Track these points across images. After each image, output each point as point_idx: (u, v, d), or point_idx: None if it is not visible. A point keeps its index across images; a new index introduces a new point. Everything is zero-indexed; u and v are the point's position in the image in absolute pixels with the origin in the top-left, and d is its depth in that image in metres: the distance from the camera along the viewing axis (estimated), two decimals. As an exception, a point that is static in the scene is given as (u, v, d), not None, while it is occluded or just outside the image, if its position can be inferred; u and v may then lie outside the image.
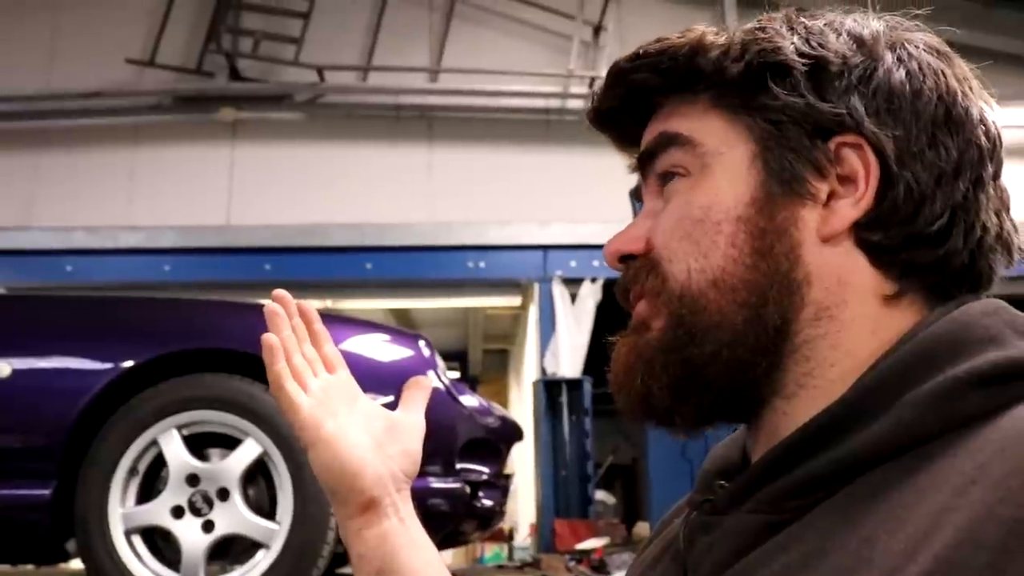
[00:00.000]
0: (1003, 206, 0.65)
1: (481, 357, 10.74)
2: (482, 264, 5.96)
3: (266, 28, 6.00)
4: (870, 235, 0.61)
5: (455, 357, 10.60)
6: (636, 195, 0.74)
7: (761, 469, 0.59)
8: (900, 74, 0.63)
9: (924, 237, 0.61)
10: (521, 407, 7.29)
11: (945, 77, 0.63)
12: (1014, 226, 0.66)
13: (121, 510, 2.21)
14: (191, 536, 2.18)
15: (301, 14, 5.92)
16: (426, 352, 2.55)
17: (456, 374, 10.41)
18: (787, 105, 0.62)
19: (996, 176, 0.64)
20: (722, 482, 0.67)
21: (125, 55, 5.91)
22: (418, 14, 6.35)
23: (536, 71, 6.11)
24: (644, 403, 0.64)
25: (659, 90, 0.68)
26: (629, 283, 0.67)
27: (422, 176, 6.11)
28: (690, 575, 0.63)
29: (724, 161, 0.64)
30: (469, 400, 2.63)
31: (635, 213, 0.76)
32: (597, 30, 6.28)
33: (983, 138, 0.63)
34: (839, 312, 0.61)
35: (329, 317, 3.02)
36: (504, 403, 9.92)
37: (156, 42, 5.90)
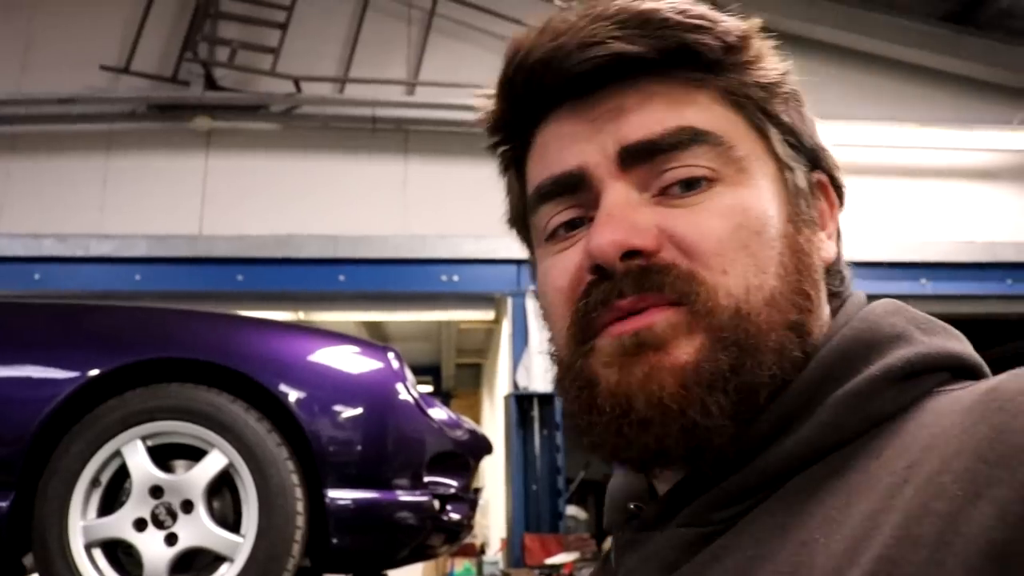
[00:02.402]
0: None
1: (454, 371, 10.72)
2: (456, 278, 5.95)
3: (243, 38, 5.98)
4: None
5: (428, 371, 10.57)
6: (566, 184, 0.62)
7: (690, 483, 0.59)
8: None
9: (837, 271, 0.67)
10: (494, 421, 7.27)
11: None
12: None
13: (82, 523, 2.17)
14: (154, 549, 2.14)
15: (279, 24, 5.91)
16: (395, 364, 2.54)
17: (429, 388, 10.38)
18: (793, 124, 0.64)
19: None
20: (637, 504, 0.66)
21: (100, 62, 5.86)
22: (396, 27, 6.36)
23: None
24: (687, 435, 0.55)
25: (649, 65, 0.60)
26: (631, 284, 0.57)
27: (397, 189, 6.10)
28: None
29: (761, 169, 0.61)
30: (438, 413, 2.62)
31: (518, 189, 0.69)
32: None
33: None
34: (817, 330, 0.62)
35: (298, 329, 3.01)
36: (477, 417, 9.89)
37: (132, 49, 5.86)
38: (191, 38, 5.88)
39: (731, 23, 0.61)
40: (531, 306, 5.83)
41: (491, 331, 8.04)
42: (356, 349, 2.58)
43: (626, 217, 0.57)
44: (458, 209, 5.99)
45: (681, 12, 0.59)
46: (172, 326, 2.50)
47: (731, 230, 0.57)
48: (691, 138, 0.59)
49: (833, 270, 0.65)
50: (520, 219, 0.71)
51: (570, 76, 0.61)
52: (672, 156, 0.59)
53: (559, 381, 0.63)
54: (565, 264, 0.61)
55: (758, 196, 0.59)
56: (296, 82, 5.94)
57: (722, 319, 0.55)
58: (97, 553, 2.17)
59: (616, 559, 0.64)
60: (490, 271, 5.96)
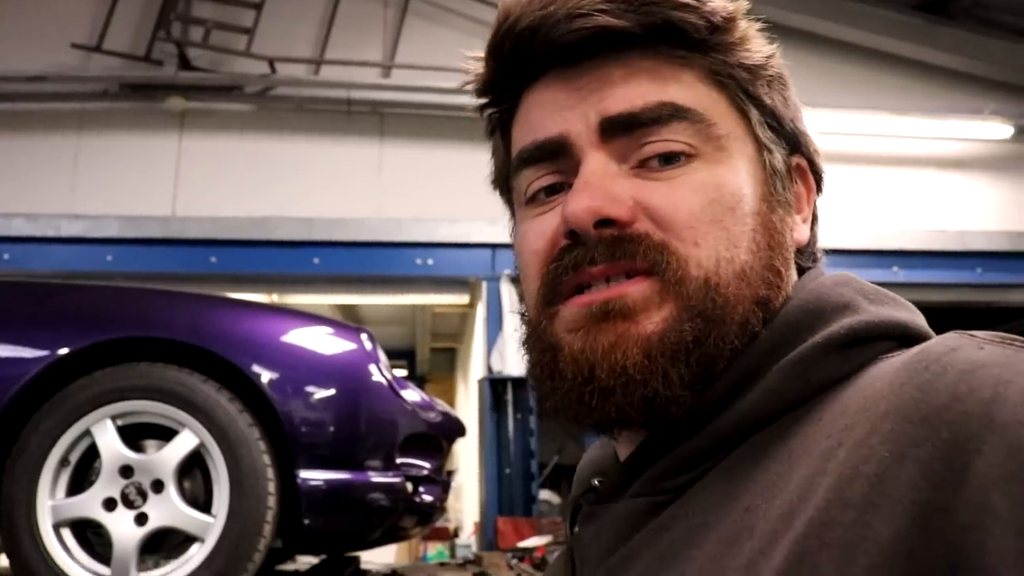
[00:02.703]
0: None
1: (429, 355, 10.72)
2: (430, 261, 5.94)
3: (217, 17, 5.91)
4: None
5: (403, 355, 10.57)
6: (547, 150, 0.63)
7: (644, 453, 0.60)
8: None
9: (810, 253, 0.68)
10: (468, 405, 7.28)
11: None
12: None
13: (50, 502, 2.16)
14: (123, 529, 2.13)
15: (254, 4, 5.85)
16: (368, 345, 2.54)
17: (403, 372, 10.38)
18: (775, 107, 0.64)
19: None
20: (597, 479, 0.67)
21: (71, 40, 5.79)
22: (372, 8, 6.32)
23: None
24: (648, 404, 0.56)
25: (636, 39, 0.61)
26: (603, 252, 0.58)
27: (372, 172, 6.08)
28: (577, 565, 0.64)
29: (740, 149, 0.62)
30: (411, 395, 2.62)
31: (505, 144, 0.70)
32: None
33: None
34: None
35: (271, 309, 3.00)
36: (451, 401, 9.90)
37: (103, 27, 5.78)
38: (164, 17, 5.81)
39: (718, 3, 0.62)
40: (505, 290, 5.83)
41: (465, 315, 8.04)
42: (329, 330, 2.58)
43: (603, 186, 0.58)
44: (433, 193, 5.98)
45: None
46: (143, 305, 2.48)
47: (705, 204, 0.58)
48: (671, 114, 0.59)
49: (807, 252, 0.67)
50: (503, 181, 0.72)
51: (557, 45, 0.61)
52: (652, 130, 0.60)
53: (525, 341, 0.64)
54: (542, 227, 0.63)
55: (734, 174, 0.60)
56: (271, 63, 5.89)
57: (691, 289, 0.57)
58: (66, 533, 2.16)
59: (574, 534, 0.66)
60: (465, 255, 5.96)
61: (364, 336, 2.56)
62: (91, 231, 5.62)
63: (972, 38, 6.47)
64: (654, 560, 0.55)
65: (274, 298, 6.28)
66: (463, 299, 6.55)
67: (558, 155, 0.62)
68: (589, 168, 0.60)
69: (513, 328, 5.74)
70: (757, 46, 0.64)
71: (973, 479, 0.43)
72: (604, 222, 0.58)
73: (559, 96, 0.63)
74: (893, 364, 0.52)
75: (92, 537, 2.21)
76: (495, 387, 5.62)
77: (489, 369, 5.76)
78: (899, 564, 0.43)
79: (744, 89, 0.63)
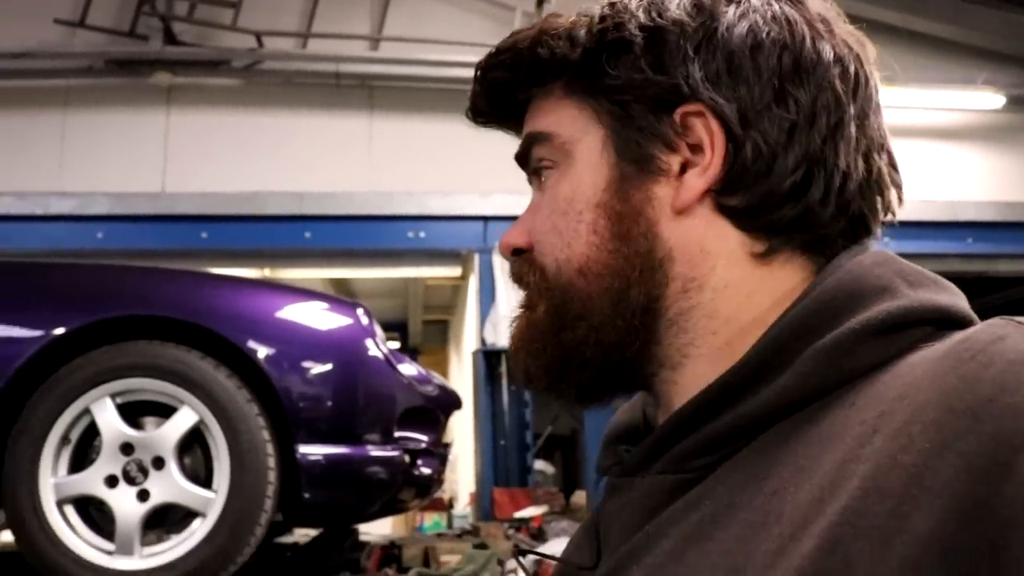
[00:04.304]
0: (874, 147, 0.64)
1: (421, 328, 10.72)
2: (422, 234, 5.93)
3: (203, -9, 5.85)
4: (727, 200, 0.61)
5: (395, 328, 10.57)
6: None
7: (668, 430, 0.60)
8: (741, 30, 0.61)
9: (782, 194, 0.60)
10: (461, 377, 7.31)
11: (791, 24, 0.62)
12: (893, 165, 0.66)
13: (53, 480, 2.17)
14: (126, 505, 2.15)
15: (239, -23, 5.79)
16: (364, 320, 2.54)
17: (396, 345, 10.38)
18: (627, 83, 0.63)
19: (862, 116, 0.63)
20: (626, 447, 0.68)
21: (54, 15, 5.72)
22: (359, -20, 6.26)
23: (479, 41, 6.07)
24: (527, 376, 0.68)
25: (517, 86, 0.69)
26: (516, 277, 0.70)
27: (362, 145, 6.05)
28: (602, 538, 0.63)
29: (582, 149, 0.65)
30: (408, 369, 2.63)
31: None
32: (540, 1, 6.26)
33: (838, 80, 0.62)
34: (708, 281, 0.61)
35: (266, 285, 3.00)
36: (444, 373, 9.92)
37: (87, 2, 5.72)
38: (149, -9, 5.74)
39: (584, 20, 0.65)
40: (498, 263, 5.84)
41: (458, 287, 8.04)
42: (325, 305, 2.58)
43: (518, 222, 0.70)
44: (425, 165, 5.96)
45: (540, 31, 0.66)
46: (139, 284, 2.48)
47: (545, 216, 0.67)
48: (529, 142, 0.69)
49: (718, 199, 0.61)
50: None
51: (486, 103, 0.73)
52: (528, 160, 0.69)
53: None
54: None
55: (570, 176, 0.66)
56: (258, 37, 5.84)
57: (548, 293, 0.66)
58: (69, 510, 2.18)
59: (600, 504, 0.66)
60: (457, 227, 5.95)
61: (360, 311, 2.57)
62: (80, 208, 5.59)
63: (964, 7, 6.45)
64: (679, 540, 0.55)
65: (266, 273, 6.27)
66: (455, 272, 6.55)
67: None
68: (529, 203, 0.71)
69: (506, 300, 5.75)
70: (625, 28, 0.62)
71: (1017, 475, 0.42)
72: (515, 251, 0.70)
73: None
74: (935, 352, 0.51)
75: (95, 513, 2.22)
76: (489, 359, 5.64)
77: (483, 341, 5.78)
78: (936, 558, 0.42)
79: (592, 82, 0.64)
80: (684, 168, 0.62)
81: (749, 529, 0.51)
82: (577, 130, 0.66)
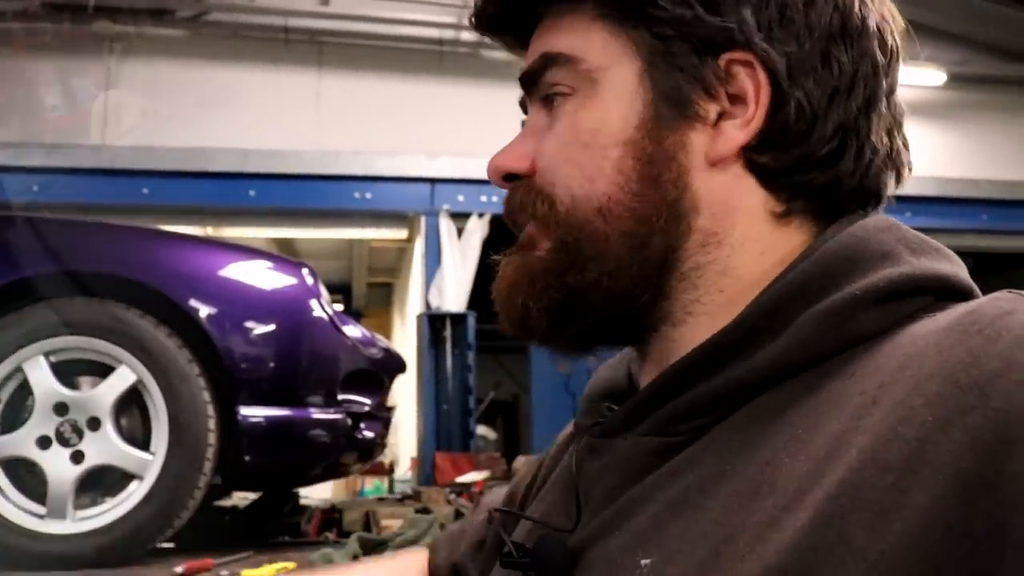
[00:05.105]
0: (895, 124, 0.63)
1: (365, 290, 10.65)
2: (368, 195, 5.87)
3: (146, -64, 5.67)
4: (759, 157, 0.59)
5: (339, 290, 10.47)
6: (524, 106, 0.69)
7: (656, 390, 0.58)
8: None
9: (815, 159, 0.59)
10: (405, 341, 7.28)
11: None
12: (905, 144, 0.65)
13: (-19, 439, 2.10)
14: (59, 467, 2.09)
15: (184, -76, 5.62)
16: (309, 280, 2.50)
17: (340, 307, 10.30)
18: (675, 18, 0.59)
19: (891, 91, 0.62)
20: (609, 404, 0.66)
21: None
22: (310, -68, 6.12)
23: (430, 0, 5.99)
24: (522, 322, 0.63)
25: None
26: (516, 206, 0.65)
27: (310, 103, 5.94)
28: (582, 500, 0.61)
29: (611, 79, 0.61)
30: (352, 331, 2.60)
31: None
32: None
33: (878, 52, 0.61)
34: (727, 237, 0.59)
35: (209, 243, 2.93)
36: (388, 336, 9.88)
37: (24, -57, 5.50)
38: (90, -66, 5.54)
39: None
40: (444, 225, 5.80)
41: (403, 250, 7.98)
42: (269, 264, 2.53)
43: (515, 144, 0.65)
44: (372, 125, 5.88)
45: None
46: (75, 238, 2.40)
47: (560, 146, 0.62)
48: (545, 62, 0.63)
49: (750, 155, 0.60)
50: None
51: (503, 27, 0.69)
52: (541, 81, 0.64)
53: None
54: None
55: (596, 106, 0.61)
56: (204, -13, 5.69)
57: (558, 228, 0.61)
58: (-2, 471, 2.11)
59: (576, 464, 0.64)
60: (404, 189, 5.90)
61: (305, 271, 2.52)
62: (14, 159, 5.40)
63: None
64: (664, 506, 0.53)
65: (208, 231, 6.15)
66: (401, 234, 6.50)
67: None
68: (526, 124, 0.66)
69: (451, 263, 5.72)
70: None
71: (1023, 453, 0.41)
72: (509, 176, 0.65)
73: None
74: (938, 323, 0.50)
75: (26, 475, 2.16)
76: (433, 323, 5.62)
77: (427, 305, 5.75)
78: (935, 534, 0.42)
79: (633, 10, 0.60)
80: (719, 118, 0.60)
81: (740, 499, 0.49)
82: (607, 58, 0.61)
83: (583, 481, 0.62)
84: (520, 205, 0.64)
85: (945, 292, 0.55)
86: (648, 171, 0.59)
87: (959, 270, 0.57)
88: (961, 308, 0.50)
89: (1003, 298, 0.49)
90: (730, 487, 0.50)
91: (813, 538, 0.44)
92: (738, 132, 0.59)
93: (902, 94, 0.65)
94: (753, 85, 0.59)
